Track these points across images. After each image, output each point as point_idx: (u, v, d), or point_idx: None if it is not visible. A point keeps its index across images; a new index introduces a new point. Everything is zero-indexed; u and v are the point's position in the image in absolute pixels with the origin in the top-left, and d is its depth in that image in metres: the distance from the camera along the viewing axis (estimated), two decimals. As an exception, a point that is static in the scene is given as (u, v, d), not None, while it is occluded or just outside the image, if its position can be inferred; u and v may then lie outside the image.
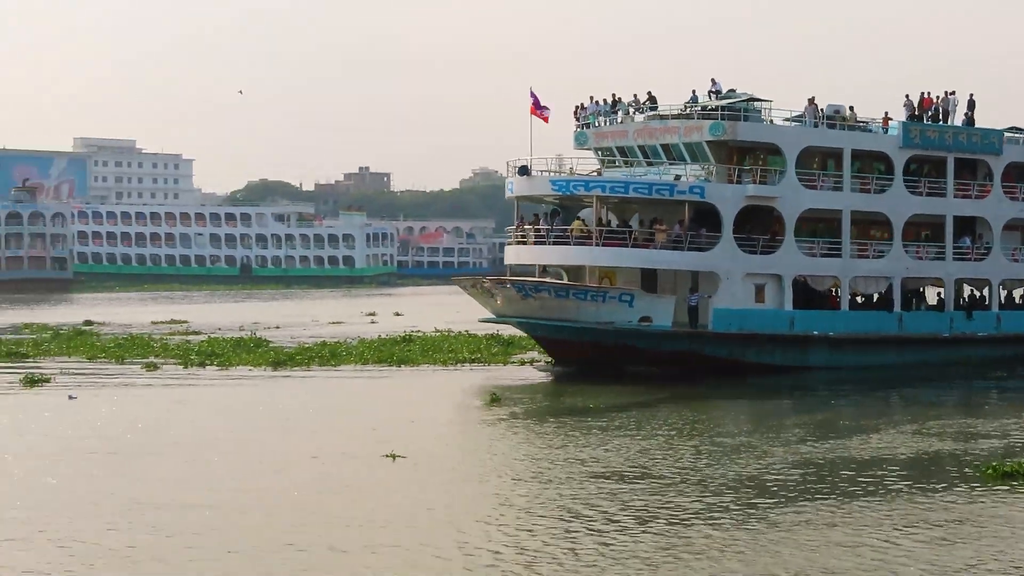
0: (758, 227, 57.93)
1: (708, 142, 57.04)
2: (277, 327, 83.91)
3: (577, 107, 61.90)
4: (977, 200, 62.89)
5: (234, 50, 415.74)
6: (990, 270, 63.13)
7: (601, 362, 55.41)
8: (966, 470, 32.10)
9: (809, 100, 59.06)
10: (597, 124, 61.10)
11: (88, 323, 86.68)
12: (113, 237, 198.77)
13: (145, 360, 58.51)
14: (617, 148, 60.50)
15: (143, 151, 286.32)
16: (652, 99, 59.79)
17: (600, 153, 61.50)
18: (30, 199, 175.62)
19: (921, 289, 63.62)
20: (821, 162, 59.95)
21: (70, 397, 45.05)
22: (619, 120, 60.51)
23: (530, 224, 57.99)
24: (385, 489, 29.24)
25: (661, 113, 59.15)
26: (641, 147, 59.39)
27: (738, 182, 56.84)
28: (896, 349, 59.92)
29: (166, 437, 36.67)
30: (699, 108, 58.15)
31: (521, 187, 57.85)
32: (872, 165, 61.04)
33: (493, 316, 57.81)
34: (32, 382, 48.85)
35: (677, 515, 26.59)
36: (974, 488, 29.88)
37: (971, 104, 64.35)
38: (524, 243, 57.85)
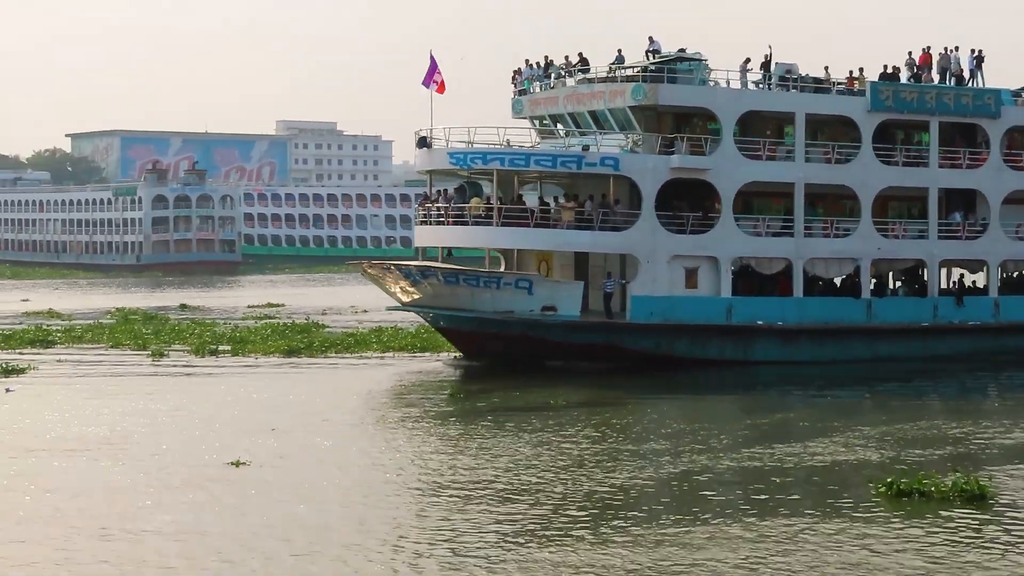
0: (699, 204, 51.08)
1: (631, 108, 50.38)
2: (365, 311, 78.11)
3: (514, 72, 55.69)
4: (970, 170, 54.86)
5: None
6: (987, 250, 55.03)
7: (511, 356, 49.17)
8: (870, 486, 27.76)
9: (746, 59, 51.95)
10: (532, 91, 54.80)
11: (183, 307, 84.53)
12: (278, 219, 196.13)
13: (167, 347, 55.34)
14: (550, 116, 54.21)
15: (343, 133, 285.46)
16: (583, 60, 53.23)
17: (536, 123, 55.21)
18: (198, 182, 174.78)
19: (919, 271, 55.72)
20: (776, 130, 52.79)
21: (7, 390, 42.66)
22: (551, 85, 54.15)
23: (431, 201, 51.95)
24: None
25: (589, 77, 52.58)
26: (571, 115, 53.02)
27: (669, 152, 49.97)
28: (864, 341, 52.38)
29: (37, 436, 34.01)
30: (625, 70, 51.47)
31: (423, 160, 51.94)
32: (844, 133, 53.59)
33: (397, 304, 52.06)
34: (7, 372, 46.46)
35: (546, 533, 24.01)
36: (860, 507, 26.23)
37: (978, 60, 56.43)
38: (427, 223, 51.84)
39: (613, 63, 51.69)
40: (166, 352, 53.60)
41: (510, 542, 23.18)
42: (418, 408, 39.28)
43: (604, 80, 51.63)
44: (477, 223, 49.65)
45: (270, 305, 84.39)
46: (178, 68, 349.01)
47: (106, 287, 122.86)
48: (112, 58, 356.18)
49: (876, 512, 25.67)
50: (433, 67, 51.47)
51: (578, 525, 24.50)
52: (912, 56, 56.03)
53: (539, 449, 32.14)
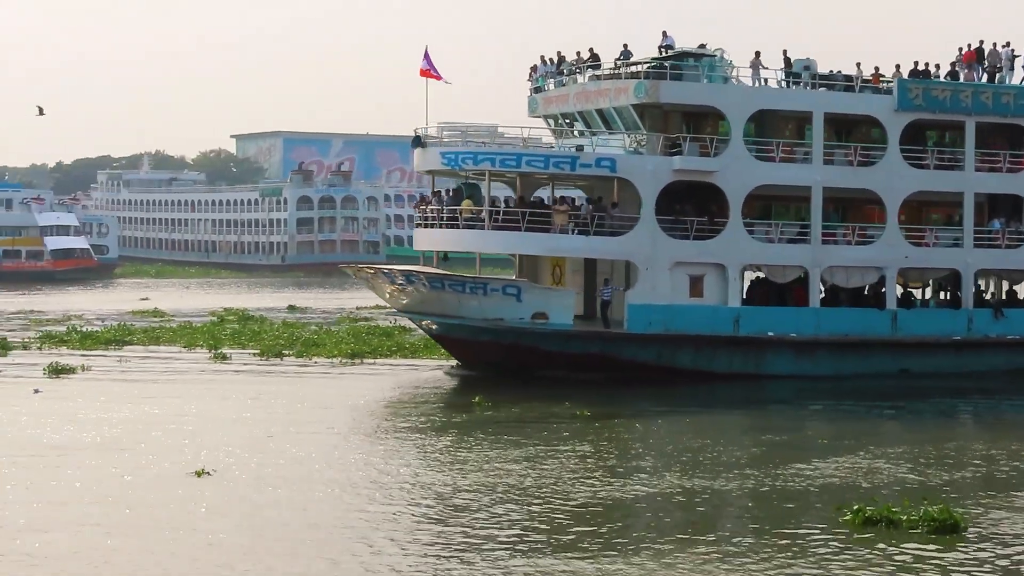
0: (711, 209, 48.32)
1: (635, 106, 47.80)
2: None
3: (531, 69, 53.38)
4: (1011, 175, 51.20)
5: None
6: (1030, 260, 51.31)
7: (505, 366, 46.87)
8: (843, 511, 25.81)
9: (756, 53, 48.95)
10: (546, 88, 52.45)
11: (291, 308, 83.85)
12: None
13: (240, 350, 54.72)
14: (562, 115, 51.80)
15: (504, 135, 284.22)
16: (594, 56, 50.63)
17: (550, 122, 52.82)
18: (343, 183, 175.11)
19: (979, 283, 52.19)
20: (796, 131, 49.76)
21: (35, 391, 42.05)
22: (563, 83, 51.75)
23: (426, 203, 49.84)
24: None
25: (598, 74, 50.06)
26: (581, 113, 50.60)
27: (676, 153, 47.29)
28: (890, 355, 49.05)
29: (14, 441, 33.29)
30: (631, 66, 48.88)
31: (419, 160, 49.83)
32: (871, 134, 50.41)
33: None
34: (57, 371, 46.08)
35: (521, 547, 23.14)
36: (821, 534, 24.53)
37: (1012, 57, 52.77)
38: (423, 226, 49.74)
39: (618, 58, 49.07)
40: (228, 355, 52.36)
41: (488, 554, 22.56)
42: (392, 421, 37.60)
43: (610, 77, 49.09)
44: (469, 226, 47.34)
45: (377, 307, 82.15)
46: (344, 69, 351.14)
47: (236, 287, 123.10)
48: (278, 59, 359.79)
49: (834, 541, 24.00)
50: (428, 60, 49.42)
51: (551, 540, 23.71)
52: (961, 52, 52.60)
53: (524, 464, 30.74)
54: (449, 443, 33.67)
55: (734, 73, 49.47)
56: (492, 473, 29.53)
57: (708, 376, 46.92)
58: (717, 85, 48.02)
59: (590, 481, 28.86)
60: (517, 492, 27.59)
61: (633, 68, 48.56)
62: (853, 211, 50.77)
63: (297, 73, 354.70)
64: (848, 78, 50.34)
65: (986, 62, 52.53)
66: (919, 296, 52.99)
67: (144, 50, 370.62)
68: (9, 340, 56.99)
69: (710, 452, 33.19)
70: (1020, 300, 52.58)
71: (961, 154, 50.52)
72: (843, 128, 50.71)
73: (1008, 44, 52.90)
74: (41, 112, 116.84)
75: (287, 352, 53.09)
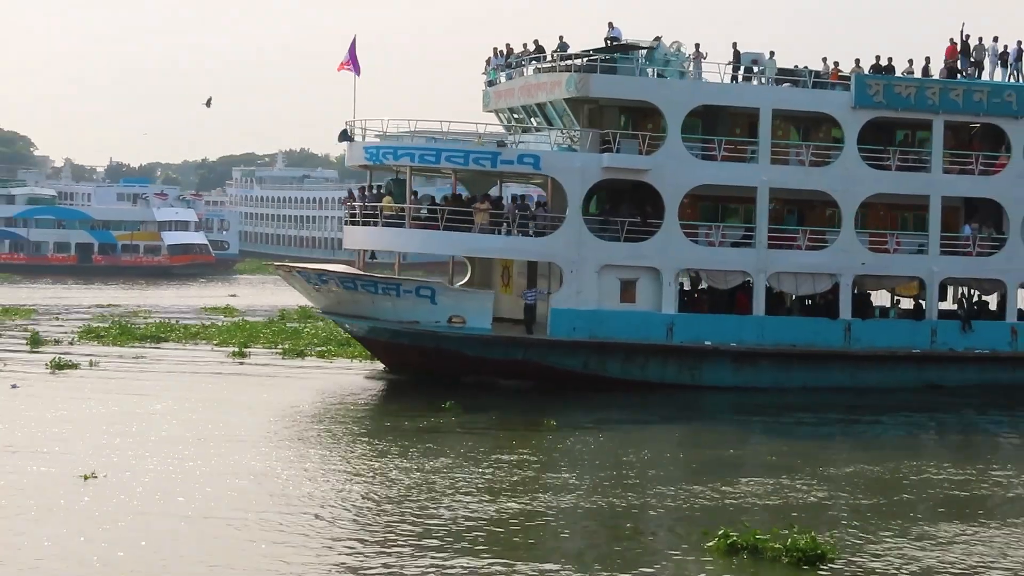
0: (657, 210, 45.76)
1: (569, 100, 45.40)
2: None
3: (486, 62, 51.18)
4: (984, 178, 47.87)
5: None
6: (1003, 268, 47.88)
7: (427, 371, 44.78)
8: (709, 536, 24.39)
9: (695, 46, 46.26)
10: (498, 81, 50.23)
11: None
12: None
13: (272, 348, 53.80)
14: (510, 109, 49.53)
15: None
16: (539, 48, 48.22)
17: (502, 117, 50.54)
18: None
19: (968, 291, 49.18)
20: (748, 129, 46.87)
21: (12, 386, 41.40)
22: (510, 76, 49.48)
23: (352, 200, 47.91)
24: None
25: (540, 66, 47.70)
26: (525, 107, 48.34)
27: (615, 151, 44.79)
28: (842, 368, 46.05)
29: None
30: (569, 59, 46.48)
31: (348, 155, 47.89)
32: (831, 133, 47.48)
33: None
34: (59, 367, 45.73)
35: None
36: (681, 557, 23.54)
37: (1021, 53, 49.41)
38: (352, 224, 47.80)
39: (555, 51, 46.66)
40: (248, 354, 51.26)
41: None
42: (309, 427, 36.78)
43: (549, 70, 46.73)
44: (388, 225, 45.28)
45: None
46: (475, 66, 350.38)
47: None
48: (422, 56, 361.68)
49: (689, 567, 22.97)
50: (352, 51, 47.42)
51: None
52: (955, 42, 49.37)
53: (404, 475, 29.80)
54: (357, 451, 32.79)
55: (690, 67, 46.85)
56: (384, 481, 28.85)
57: (641, 386, 44.33)
58: (652, 79, 45.42)
59: (468, 495, 27.79)
60: (379, 502, 27.00)
61: (573, 62, 46.09)
62: (812, 214, 47.80)
63: (430, 73, 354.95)
64: (816, 74, 47.43)
65: (972, 57, 49.28)
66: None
67: (303, 45, 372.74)
68: (45, 334, 56.58)
69: (625, 467, 31.78)
70: (991, 311, 49.06)
71: (927, 155, 47.28)
72: (806, 127, 47.79)
73: (996, 39, 49.62)
74: (208, 104, 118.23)
75: (311, 352, 51.99)
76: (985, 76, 49.20)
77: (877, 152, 46.78)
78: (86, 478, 27.92)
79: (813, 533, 23.75)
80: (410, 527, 25.00)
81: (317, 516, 25.72)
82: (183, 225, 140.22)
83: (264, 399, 40.82)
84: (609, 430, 37.51)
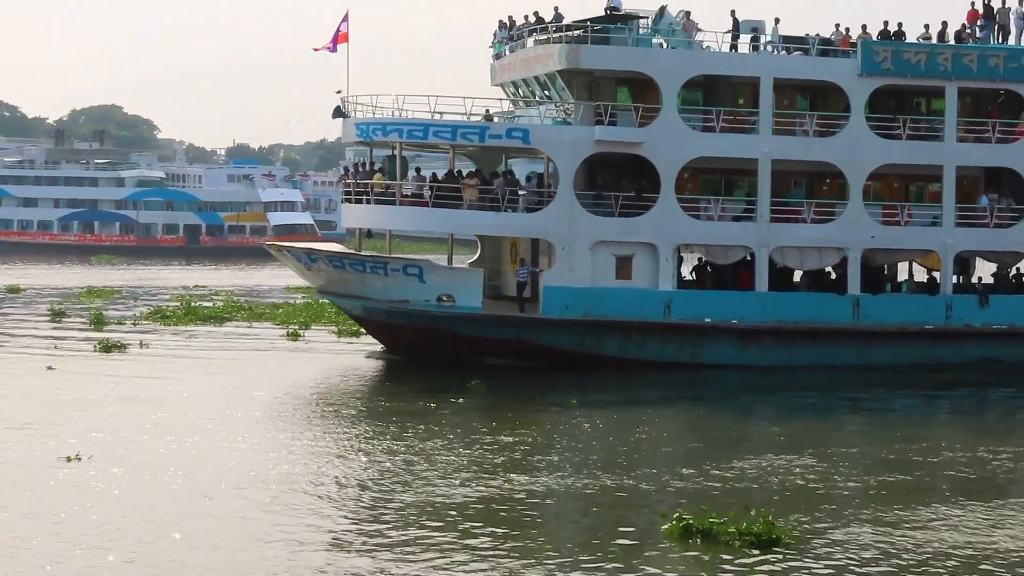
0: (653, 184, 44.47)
1: (562, 72, 44.23)
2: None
3: (493, 35, 50.00)
4: (1001, 146, 45.95)
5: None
6: (1022, 240, 45.94)
7: (430, 351, 43.90)
8: (665, 519, 23.38)
9: (685, 13, 44.77)
10: (504, 54, 49.09)
11: None
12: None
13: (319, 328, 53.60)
14: (513, 83, 48.40)
15: None
16: (539, 20, 46.81)
17: (508, 90, 49.32)
18: None
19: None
20: (752, 99, 45.38)
21: (48, 368, 41.12)
22: (512, 48, 48.27)
23: (343, 177, 47.21)
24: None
25: (539, 38, 46.43)
26: (525, 80, 47.24)
27: (608, 123, 43.55)
28: (852, 344, 44.44)
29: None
30: (561, 30, 45.19)
31: (343, 132, 47.14)
32: (840, 104, 45.80)
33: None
34: (107, 348, 45.21)
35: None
36: (633, 541, 22.55)
37: (1042, 16, 47.47)
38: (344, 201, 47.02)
39: (550, 21, 45.40)
40: (303, 335, 50.68)
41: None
42: (311, 407, 36.20)
43: (544, 42, 45.54)
44: (379, 202, 44.42)
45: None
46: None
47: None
48: (438, 29, 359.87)
49: (638, 550, 22.04)
50: (340, 27, 46.56)
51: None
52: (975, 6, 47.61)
53: (391, 456, 29.10)
54: (358, 431, 32.20)
55: (699, 37, 45.52)
56: (371, 462, 28.36)
57: (640, 364, 43.07)
58: (645, 49, 44.09)
59: (458, 477, 27.02)
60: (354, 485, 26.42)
61: (565, 33, 44.86)
62: (822, 186, 46.23)
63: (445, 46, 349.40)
64: (827, 41, 45.88)
65: (996, 20, 47.42)
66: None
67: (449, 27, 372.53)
68: (115, 315, 56.85)
69: (624, 447, 31.08)
70: (1013, 285, 47.05)
71: (940, 123, 45.47)
72: (813, 96, 46.25)
73: (1022, 1, 47.65)
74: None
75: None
76: (1011, 41, 47.27)
77: (886, 121, 45.02)
78: (69, 459, 27.51)
79: (770, 516, 22.73)
80: (377, 508, 24.53)
81: (318, 496, 25.34)
82: (289, 205, 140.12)
83: (294, 379, 40.54)
84: (624, 408, 36.75)
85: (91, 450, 28.27)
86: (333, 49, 46.50)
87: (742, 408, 38.53)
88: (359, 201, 44.74)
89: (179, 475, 26.66)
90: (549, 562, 21.18)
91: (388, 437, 31.08)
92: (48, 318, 56.63)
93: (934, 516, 24.59)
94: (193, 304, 60.16)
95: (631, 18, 44.23)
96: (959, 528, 23.79)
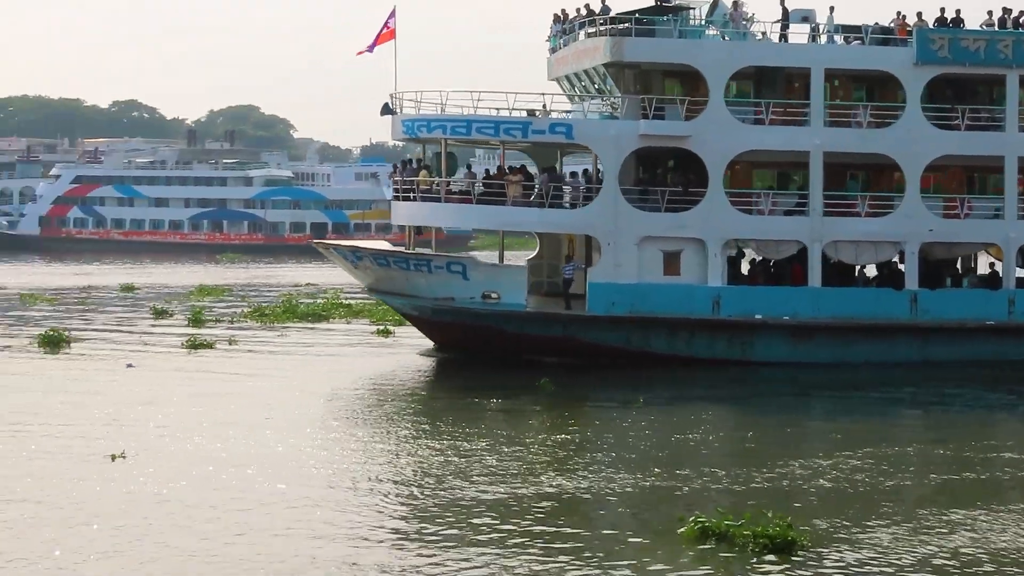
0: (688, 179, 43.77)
1: (608, 65, 43.65)
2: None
3: (550, 28, 49.35)
4: (1070, 135, 44.44)
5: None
6: (1094, 234, 44.41)
7: (480, 348, 43.54)
8: (683, 521, 22.80)
9: (734, 4, 43.85)
10: (559, 48, 48.50)
11: None
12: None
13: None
14: (566, 77, 47.85)
15: None
16: (591, 12, 45.78)
17: (564, 85, 48.76)
18: None
19: None
20: (805, 91, 44.37)
21: (128, 365, 41.33)
22: (565, 42, 47.66)
23: (392, 174, 46.99)
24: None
25: (588, 31, 45.78)
26: (576, 75, 46.71)
27: (655, 117, 42.88)
28: (910, 341, 43.26)
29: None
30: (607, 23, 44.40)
31: (392, 130, 46.85)
32: (898, 94, 44.66)
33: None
34: (194, 346, 45.45)
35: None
36: (649, 543, 22.12)
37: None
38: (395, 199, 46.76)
39: (598, 14, 44.65)
40: (394, 331, 50.45)
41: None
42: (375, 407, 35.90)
43: (592, 35, 44.91)
44: (425, 199, 44.11)
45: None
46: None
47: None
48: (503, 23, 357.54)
49: (651, 551, 21.59)
50: (387, 23, 46.18)
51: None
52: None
53: (444, 456, 28.70)
54: (418, 429, 32.18)
55: (754, 29, 44.68)
56: (419, 461, 28.15)
57: (689, 361, 42.32)
58: (690, 41, 43.29)
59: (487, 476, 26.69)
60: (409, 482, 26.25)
61: (610, 26, 44.14)
62: (880, 179, 45.09)
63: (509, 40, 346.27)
64: (886, 30, 44.80)
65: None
66: None
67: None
68: (216, 313, 57.42)
69: (673, 446, 30.67)
70: (1080, 278, 45.56)
71: (1001, 112, 44.13)
72: (870, 87, 45.17)
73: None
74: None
75: None
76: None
77: (944, 111, 43.79)
78: (113, 458, 27.44)
79: (789, 519, 22.03)
80: (415, 507, 24.47)
81: (371, 491, 25.39)
82: None
83: (365, 376, 40.63)
84: (687, 406, 36.08)
85: (138, 448, 28.30)
86: (370, 50, 46.12)
87: (794, 407, 37.76)
88: (407, 198, 44.41)
89: (219, 473, 26.50)
90: (555, 561, 20.92)
91: (443, 435, 30.80)
92: (150, 317, 57.07)
93: (976, 521, 23.61)
94: (295, 302, 60.08)
95: (679, 9, 43.43)
96: (998, 533, 22.89)
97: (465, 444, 29.70)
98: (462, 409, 34.67)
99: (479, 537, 22.15)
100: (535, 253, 48.30)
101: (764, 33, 44.57)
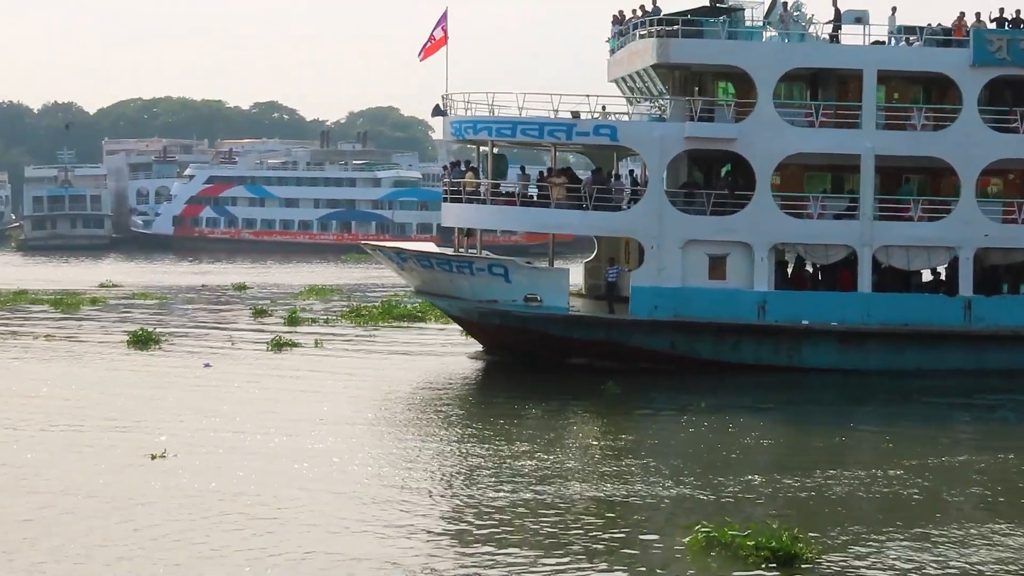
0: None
1: (657, 67, 43.27)
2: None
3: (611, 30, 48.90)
4: None
5: None
6: None
7: (526, 350, 43.40)
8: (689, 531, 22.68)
9: (783, 5, 43.10)
10: (617, 49, 48.11)
11: None
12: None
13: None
14: (623, 79, 47.48)
15: None
16: (646, 13, 44.84)
17: (623, 87, 48.35)
18: None
19: None
20: (859, 93, 43.55)
21: (205, 365, 42.00)
22: (623, 43, 47.21)
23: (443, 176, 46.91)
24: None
25: (640, 32, 45.29)
26: (630, 76, 46.36)
27: (702, 119, 42.41)
28: (964, 349, 42.26)
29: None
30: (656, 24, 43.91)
31: (443, 131, 46.92)
32: (952, 96, 43.64)
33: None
34: (278, 346, 45.78)
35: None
36: (655, 553, 22.09)
37: None
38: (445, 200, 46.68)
39: (650, 14, 44.11)
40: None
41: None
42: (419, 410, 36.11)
43: (644, 36, 44.47)
44: (470, 201, 44.01)
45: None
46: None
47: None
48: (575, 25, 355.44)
49: (655, 561, 21.61)
50: (440, 27, 45.92)
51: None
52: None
53: (493, 460, 28.75)
54: (471, 431, 32.27)
55: (812, 30, 43.98)
56: (468, 461, 28.45)
57: (735, 368, 41.73)
58: (737, 42, 42.65)
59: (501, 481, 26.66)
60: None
61: (657, 28, 43.66)
62: (937, 183, 44.12)
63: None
64: (947, 31, 43.85)
65: None
66: None
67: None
68: (314, 313, 58.01)
69: (719, 452, 30.44)
70: None
71: (1066, 115, 42.97)
72: (928, 88, 44.22)
73: None
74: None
75: None
76: None
77: (1002, 113, 42.71)
78: (154, 457, 27.61)
79: (796, 531, 21.86)
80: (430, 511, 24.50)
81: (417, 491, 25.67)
82: None
83: (440, 377, 40.94)
84: (744, 412, 35.52)
85: (180, 448, 28.42)
86: (422, 58, 45.85)
87: (844, 414, 36.90)
88: (455, 200, 44.36)
89: (250, 475, 26.60)
90: (544, 567, 20.96)
91: (491, 438, 31.07)
92: (249, 316, 57.71)
93: (1001, 536, 23.13)
94: (395, 303, 60.17)
95: (731, 10, 42.82)
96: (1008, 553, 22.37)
97: (506, 447, 29.84)
98: (511, 413, 34.71)
99: (490, 538, 22.39)
100: (593, 256, 48.06)
101: (828, 35, 43.78)
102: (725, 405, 36.25)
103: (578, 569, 20.83)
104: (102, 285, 75.80)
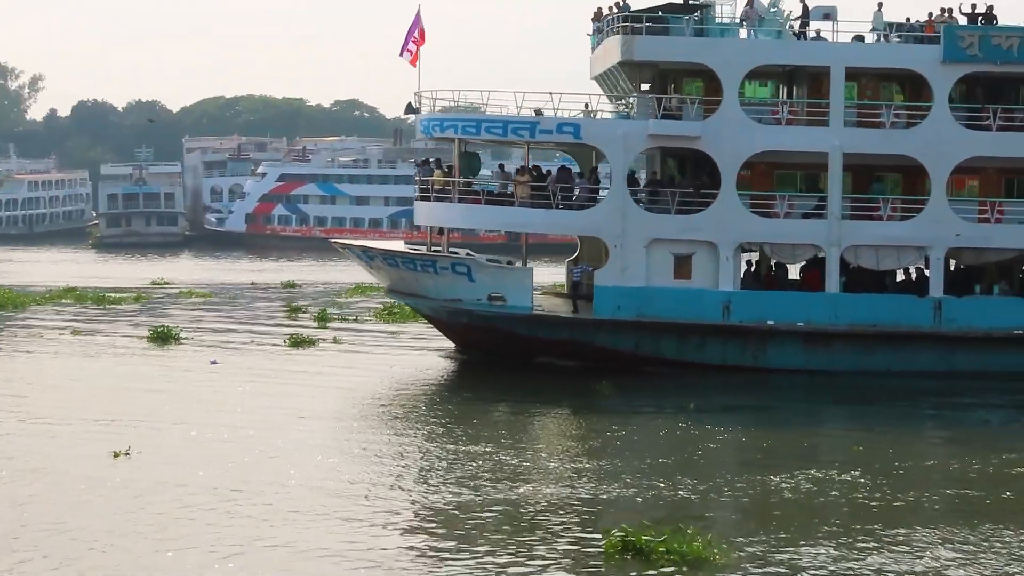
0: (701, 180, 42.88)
1: (623, 64, 42.95)
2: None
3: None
4: (1114, 137, 42.31)
5: None
6: None
7: (495, 350, 43.22)
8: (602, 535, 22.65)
9: (748, 2, 42.60)
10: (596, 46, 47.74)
11: None
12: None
13: None
14: (601, 77, 47.18)
15: None
16: (621, 9, 44.78)
17: (604, 84, 48.03)
18: None
19: None
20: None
21: (212, 362, 42.21)
22: (599, 41, 46.91)
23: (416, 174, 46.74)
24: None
25: (607, 29, 44.92)
26: (605, 74, 46.07)
27: (665, 116, 42.04)
28: (933, 349, 41.63)
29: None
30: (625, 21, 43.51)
31: (417, 129, 46.76)
32: (926, 93, 43.02)
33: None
34: (296, 343, 46.03)
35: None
36: (562, 555, 21.78)
37: None
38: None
39: (616, 11, 43.80)
40: None
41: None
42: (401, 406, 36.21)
43: (612, 33, 44.10)
44: (439, 199, 43.85)
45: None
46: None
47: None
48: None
49: (563, 563, 21.42)
50: (412, 30, 45.85)
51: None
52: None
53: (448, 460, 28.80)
54: (447, 430, 32.26)
55: (789, 28, 43.54)
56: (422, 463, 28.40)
57: (699, 368, 41.33)
58: (702, 39, 42.17)
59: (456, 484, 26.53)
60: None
61: (622, 24, 43.22)
62: (911, 182, 43.52)
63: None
64: (923, 27, 43.24)
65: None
66: None
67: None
68: (347, 310, 58.32)
69: (684, 454, 30.16)
70: None
71: (1029, 113, 42.30)
72: (903, 86, 43.66)
73: None
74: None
75: None
76: None
77: (974, 111, 42.06)
78: (116, 455, 27.66)
79: (710, 536, 21.87)
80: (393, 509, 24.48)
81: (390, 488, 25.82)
82: None
83: (438, 375, 41.44)
84: (746, 414, 35.72)
85: (145, 446, 28.36)
86: (402, 52, 45.68)
87: (810, 415, 36.91)
88: (425, 198, 44.23)
89: (207, 473, 26.58)
90: (458, 568, 21.00)
91: (459, 437, 31.11)
92: (283, 313, 58.03)
93: (922, 542, 22.84)
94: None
95: (700, 8, 42.39)
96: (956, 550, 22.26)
97: (469, 446, 29.88)
98: (481, 411, 35.01)
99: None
100: (574, 256, 47.80)
101: (795, 32, 43.35)
102: (709, 407, 36.07)
103: (484, 570, 20.85)
104: (154, 283, 76.61)
